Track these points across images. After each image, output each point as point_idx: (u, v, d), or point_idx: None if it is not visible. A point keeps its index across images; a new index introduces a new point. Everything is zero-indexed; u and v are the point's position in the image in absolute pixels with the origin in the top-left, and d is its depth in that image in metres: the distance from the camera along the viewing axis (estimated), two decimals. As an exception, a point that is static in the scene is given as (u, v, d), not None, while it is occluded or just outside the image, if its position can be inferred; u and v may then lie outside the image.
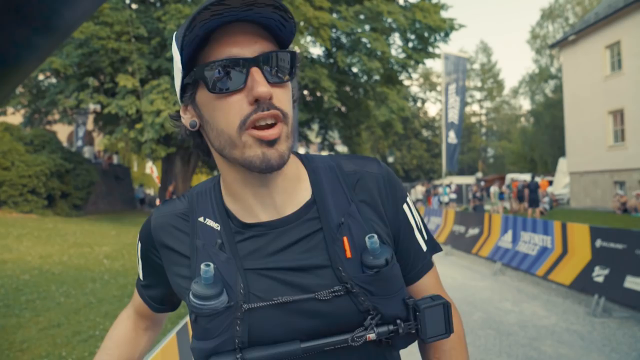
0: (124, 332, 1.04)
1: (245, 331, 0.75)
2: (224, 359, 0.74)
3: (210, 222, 0.82)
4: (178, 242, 0.83)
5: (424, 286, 0.91)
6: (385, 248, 0.80)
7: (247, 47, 0.72)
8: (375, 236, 0.78)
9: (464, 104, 19.53)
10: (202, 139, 0.83)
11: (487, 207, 20.30)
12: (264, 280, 0.77)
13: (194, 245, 0.81)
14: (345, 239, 0.79)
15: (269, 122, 0.72)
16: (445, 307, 0.81)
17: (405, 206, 0.89)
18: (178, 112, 0.84)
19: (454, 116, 19.08)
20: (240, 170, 0.78)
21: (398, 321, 0.79)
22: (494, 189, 18.04)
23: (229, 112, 0.72)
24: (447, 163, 19.32)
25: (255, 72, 0.71)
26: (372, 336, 0.76)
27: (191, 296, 0.75)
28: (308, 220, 0.81)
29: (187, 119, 0.81)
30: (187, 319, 1.98)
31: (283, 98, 0.75)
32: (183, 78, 0.76)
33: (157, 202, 12.57)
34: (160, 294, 0.95)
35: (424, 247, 0.91)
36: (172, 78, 14.94)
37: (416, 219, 0.91)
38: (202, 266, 0.74)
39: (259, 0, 0.68)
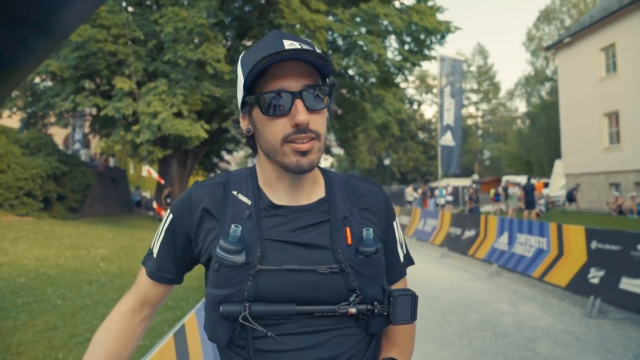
0: (122, 326, 1.06)
1: (254, 287, 0.92)
2: (233, 306, 0.91)
3: (242, 197, 1.02)
4: (212, 207, 1.01)
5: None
6: (377, 241, 1.01)
7: (294, 82, 0.93)
8: (371, 229, 0.99)
9: (460, 106, 19.50)
10: (254, 141, 1.06)
11: (502, 207, 20.37)
12: (277, 250, 0.96)
13: (224, 212, 1.00)
14: (347, 229, 1.00)
15: (305, 141, 0.93)
16: (413, 298, 0.99)
17: (394, 223, 1.13)
18: (237, 119, 1.08)
19: (449, 118, 19.05)
20: (278, 168, 1.00)
21: (375, 303, 0.96)
22: (512, 190, 18.03)
23: (275, 130, 0.94)
24: (444, 166, 19.30)
25: (298, 103, 0.93)
26: (353, 310, 0.94)
27: (218, 249, 0.93)
28: (320, 211, 1.02)
29: (244, 125, 1.04)
30: (185, 320, 1.98)
31: (318, 121, 0.96)
32: (244, 97, 0.98)
33: (155, 204, 12.49)
34: (171, 266, 1.07)
35: (402, 259, 1.13)
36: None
37: (400, 236, 1.15)
38: (232, 226, 0.93)
39: (306, 53, 0.89)
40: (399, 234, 1.13)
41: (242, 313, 0.90)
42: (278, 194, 1.02)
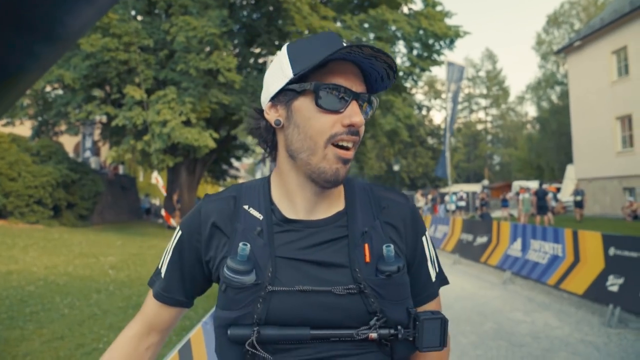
0: (126, 354, 0.98)
1: (264, 310, 0.85)
2: (242, 330, 0.85)
3: (253, 212, 0.94)
4: (222, 222, 0.94)
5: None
6: (399, 258, 0.91)
7: (353, 83, 0.89)
8: (392, 246, 0.90)
9: (454, 111, 19.59)
10: (274, 137, 0.97)
11: (514, 212, 20.15)
12: (290, 269, 0.88)
13: (234, 227, 0.92)
14: (366, 245, 0.90)
15: (349, 145, 0.89)
16: (442, 322, 0.90)
17: (424, 238, 1.02)
18: (258, 109, 0.99)
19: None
20: (303, 175, 0.92)
21: (399, 327, 0.88)
22: (522, 196, 17.84)
23: (323, 125, 0.87)
24: (439, 169, 19.39)
25: (354, 104, 0.89)
26: (374, 335, 0.85)
27: (225, 269, 0.87)
28: (338, 226, 0.93)
29: (273, 116, 0.94)
30: (190, 335, 1.91)
31: (362, 130, 0.91)
32: (288, 84, 0.90)
33: (163, 211, 12.48)
34: (180, 286, 1.00)
35: (433, 279, 1.03)
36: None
37: (431, 252, 1.04)
38: (240, 244, 0.86)
39: (381, 56, 0.84)
40: (429, 250, 1.03)
41: (250, 338, 0.83)
42: (295, 207, 0.94)
